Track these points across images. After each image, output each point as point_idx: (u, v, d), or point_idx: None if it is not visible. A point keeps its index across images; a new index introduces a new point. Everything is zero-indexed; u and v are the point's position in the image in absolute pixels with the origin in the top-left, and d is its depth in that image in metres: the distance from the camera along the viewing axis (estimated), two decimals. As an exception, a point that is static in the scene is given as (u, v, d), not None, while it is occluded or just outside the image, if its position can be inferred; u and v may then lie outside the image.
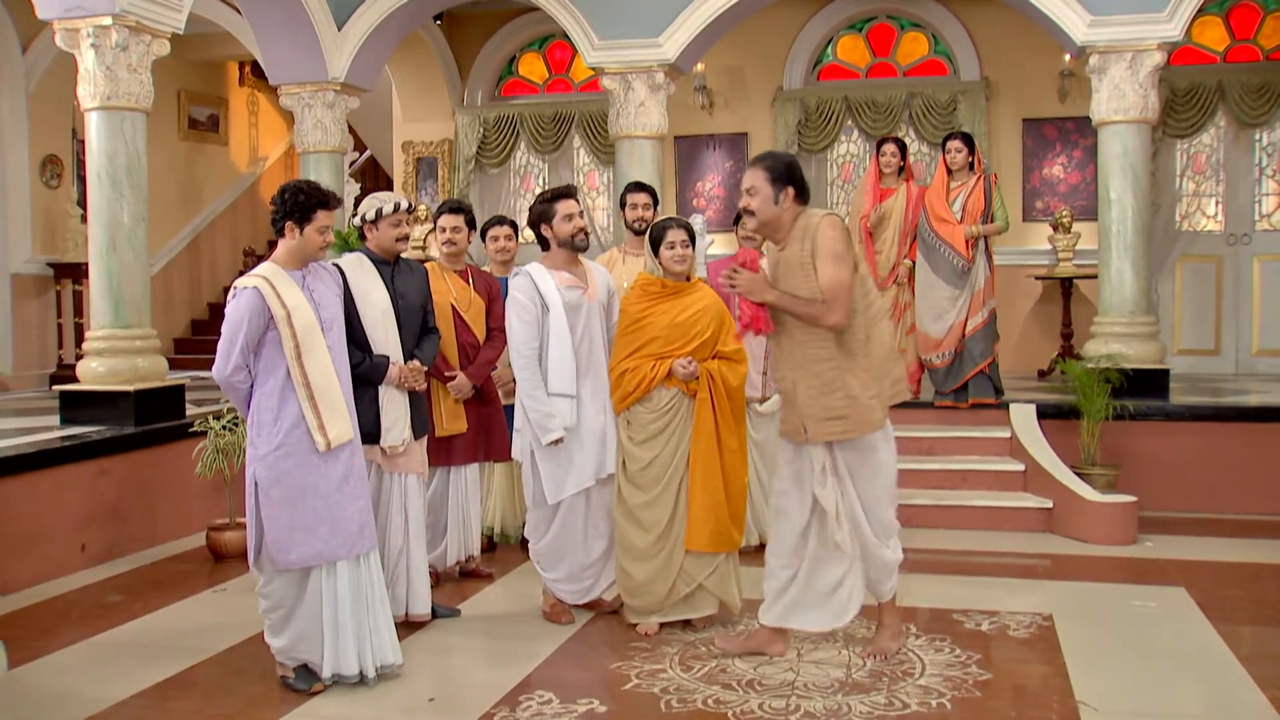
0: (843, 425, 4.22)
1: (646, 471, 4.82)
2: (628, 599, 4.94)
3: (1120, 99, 7.58)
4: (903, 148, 7.78)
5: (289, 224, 4.19)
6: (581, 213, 4.95)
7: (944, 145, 7.55)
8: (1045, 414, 7.39)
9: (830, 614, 4.43)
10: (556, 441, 4.80)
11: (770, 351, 6.30)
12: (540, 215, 4.97)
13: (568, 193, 4.98)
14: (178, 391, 7.12)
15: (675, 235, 4.82)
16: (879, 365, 4.28)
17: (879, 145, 7.86)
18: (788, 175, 4.28)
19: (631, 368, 4.80)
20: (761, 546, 6.13)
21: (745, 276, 4.26)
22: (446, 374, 5.37)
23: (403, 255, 4.98)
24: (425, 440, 5.08)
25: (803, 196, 4.33)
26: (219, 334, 4.14)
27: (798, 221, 4.29)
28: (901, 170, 7.78)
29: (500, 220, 6.23)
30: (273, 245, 13.08)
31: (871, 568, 4.44)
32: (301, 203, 4.17)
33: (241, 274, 12.37)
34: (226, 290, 12.20)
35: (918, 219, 7.57)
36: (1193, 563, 6.05)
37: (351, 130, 9.36)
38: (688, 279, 4.89)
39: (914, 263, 7.62)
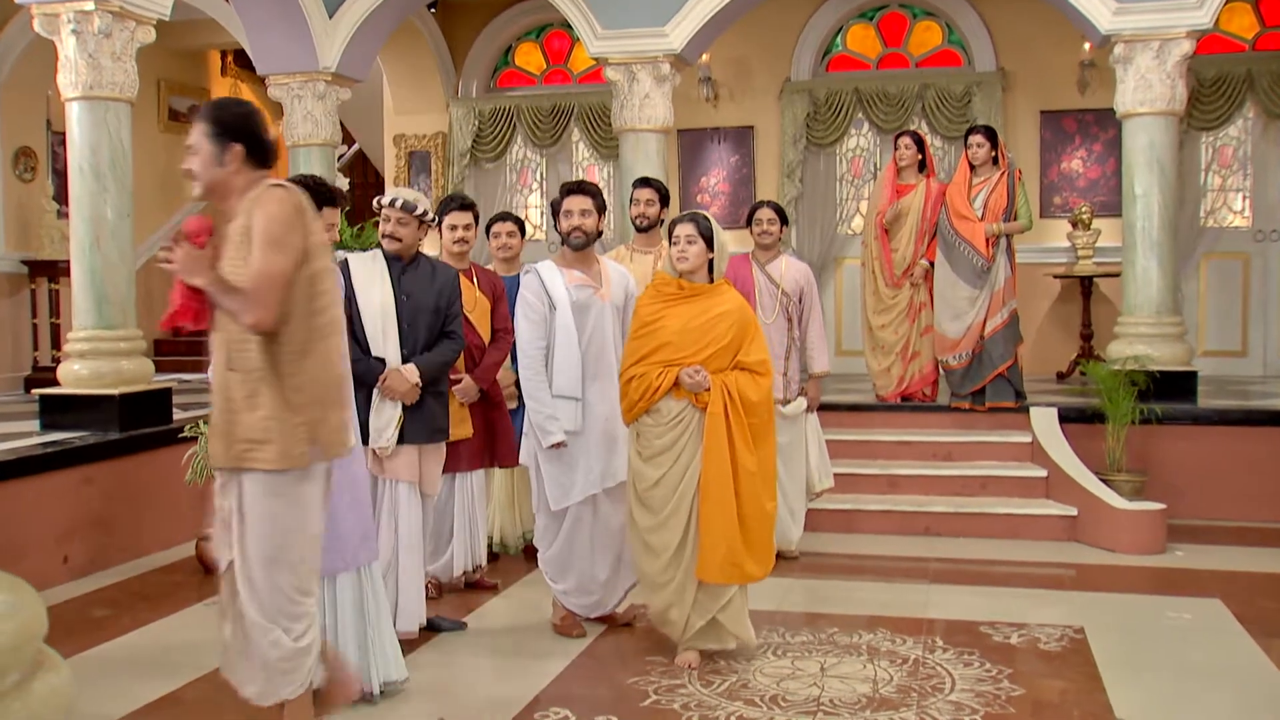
0: (266, 452, 3.35)
1: (654, 491, 4.47)
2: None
3: (1147, 90, 7.34)
4: (919, 142, 7.58)
5: None
6: (584, 211, 4.81)
7: (965, 139, 7.35)
8: (1067, 418, 7.18)
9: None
10: (557, 445, 4.70)
11: (790, 349, 6.09)
12: (552, 208, 4.93)
13: (578, 188, 4.88)
14: (164, 395, 6.91)
15: (680, 230, 4.51)
16: (315, 389, 3.41)
17: (895, 139, 7.68)
18: (236, 130, 3.37)
19: (638, 375, 4.47)
20: (780, 555, 5.94)
21: (183, 252, 3.26)
22: (452, 377, 5.16)
23: (424, 253, 4.82)
24: (440, 449, 4.82)
25: (259, 157, 3.42)
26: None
27: (252, 190, 3.39)
28: (923, 166, 7.58)
29: (504, 216, 6.10)
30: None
31: (247, 659, 3.51)
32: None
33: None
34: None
35: (937, 216, 7.36)
36: (1227, 573, 5.91)
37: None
38: (710, 280, 4.57)
39: (931, 263, 7.41)
